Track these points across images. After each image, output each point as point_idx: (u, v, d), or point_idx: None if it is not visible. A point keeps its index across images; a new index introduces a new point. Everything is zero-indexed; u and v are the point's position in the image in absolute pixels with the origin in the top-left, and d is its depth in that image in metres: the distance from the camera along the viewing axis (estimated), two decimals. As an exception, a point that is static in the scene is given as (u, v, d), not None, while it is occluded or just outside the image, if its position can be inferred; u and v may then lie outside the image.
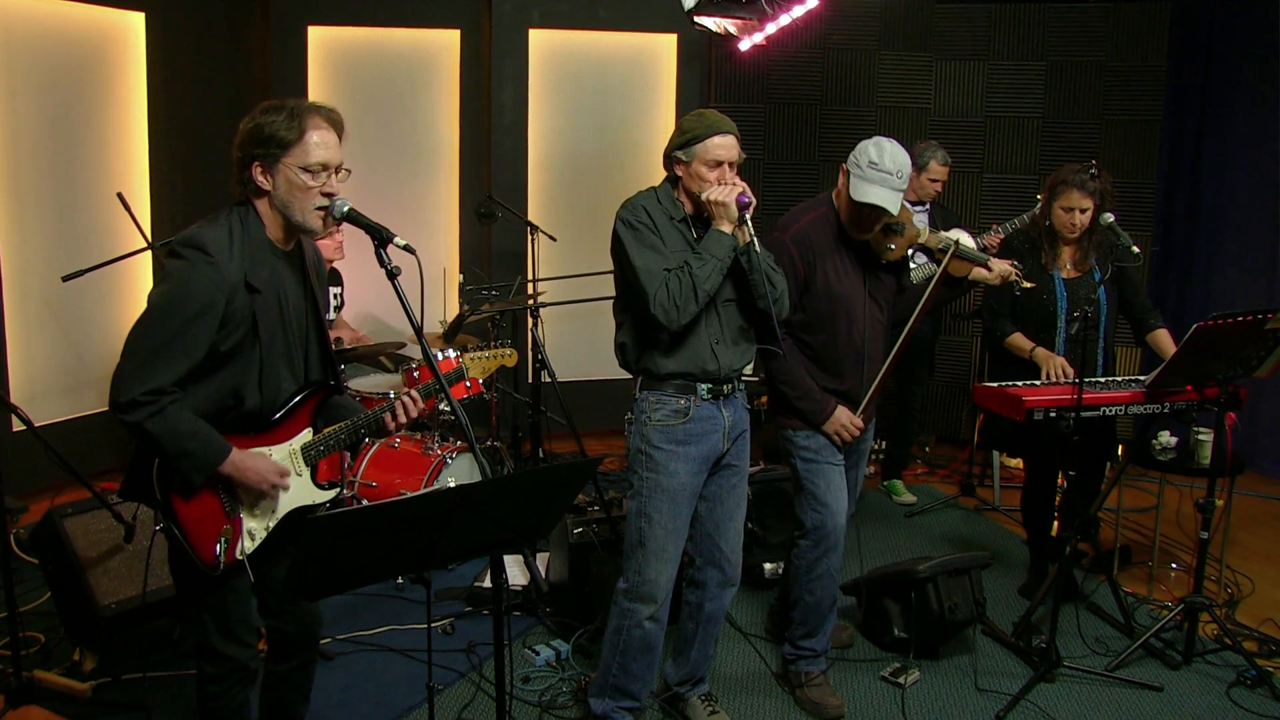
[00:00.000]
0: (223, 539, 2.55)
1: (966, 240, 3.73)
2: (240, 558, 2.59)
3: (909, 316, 3.63)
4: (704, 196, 3.08)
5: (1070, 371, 4.09)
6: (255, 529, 2.62)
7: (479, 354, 3.25)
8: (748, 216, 3.08)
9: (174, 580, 2.68)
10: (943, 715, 3.68)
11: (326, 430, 2.73)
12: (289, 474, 2.64)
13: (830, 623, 3.76)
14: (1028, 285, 3.82)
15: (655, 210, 3.16)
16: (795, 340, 3.59)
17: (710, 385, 3.21)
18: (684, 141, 3.11)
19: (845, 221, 3.54)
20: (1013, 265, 3.79)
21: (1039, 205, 4.35)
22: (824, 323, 3.56)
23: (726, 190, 3.06)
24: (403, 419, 2.77)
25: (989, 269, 3.69)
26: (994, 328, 4.37)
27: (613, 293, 3.31)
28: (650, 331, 3.14)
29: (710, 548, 3.38)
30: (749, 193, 3.09)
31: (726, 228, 3.08)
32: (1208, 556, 4.05)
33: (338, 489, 2.81)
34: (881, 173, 3.34)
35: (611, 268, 3.25)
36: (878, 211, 3.39)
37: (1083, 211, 4.14)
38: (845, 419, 3.56)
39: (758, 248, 3.12)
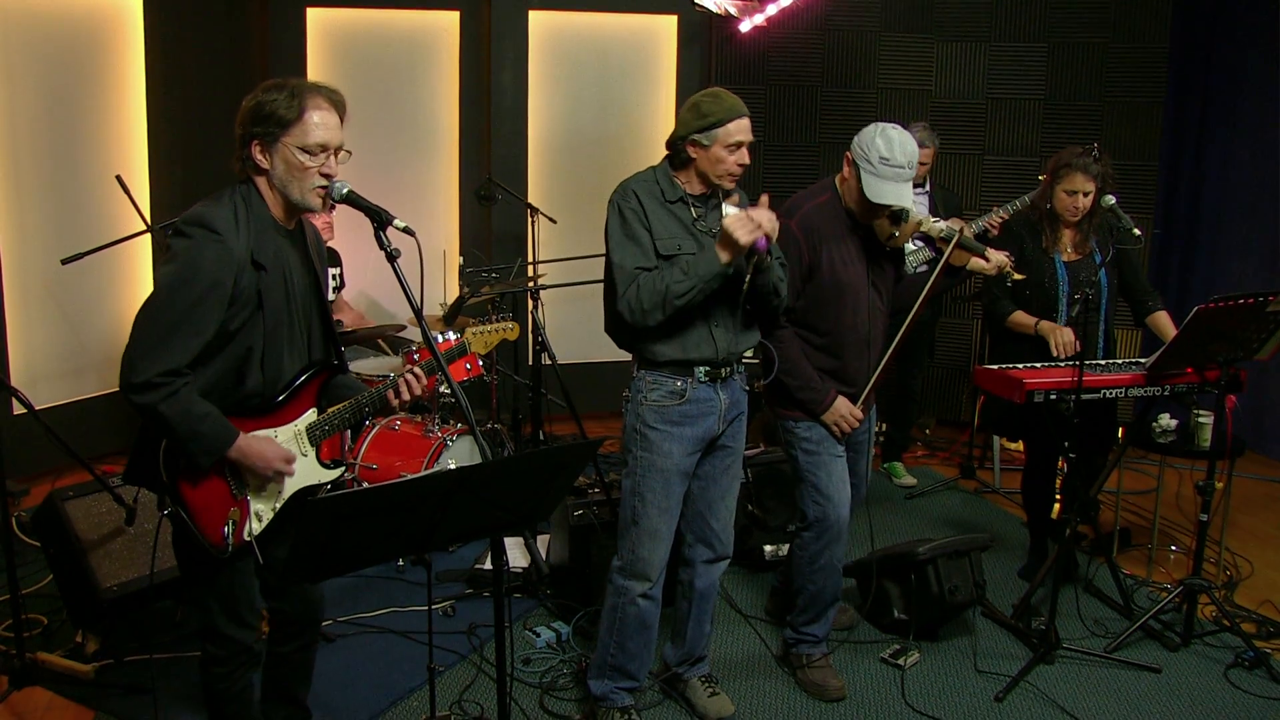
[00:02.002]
0: (230, 521, 2.56)
1: (965, 231, 3.72)
2: (248, 539, 2.59)
3: (907, 305, 3.61)
4: (723, 222, 2.98)
5: (1076, 344, 4.08)
6: (262, 510, 2.62)
7: (480, 328, 3.23)
8: (755, 258, 3.04)
9: (179, 563, 2.68)
10: (942, 696, 3.70)
11: (331, 410, 2.72)
12: (294, 459, 2.64)
13: (833, 610, 3.77)
14: (1018, 277, 3.80)
15: (648, 194, 3.14)
16: (797, 328, 3.56)
17: (708, 369, 3.20)
18: (704, 125, 3.05)
19: (854, 210, 3.50)
20: (1007, 256, 3.76)
21: (1040, 188, 4.34)
22: (827, 310, 3.53)
23: (746, 230, 2.93)
24: (406, 396, 2.77)
25: (986, 259, 3.64)
26: (995, 309, 4.36)
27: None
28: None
29: (701, 525, 3.40)
30: (771, 235, 3.00)
31: (725, 256, 2.98)
32: (1207, 539, 4.05)
33: (342, 467, 2.81)
34: (894, 168, 3.32)
35: (610, 250, 3.23)
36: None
37: (1085, 195, 4.13)
38: (845, 410, 3.54)
39: (764, 269, 3.10)
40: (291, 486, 2.67)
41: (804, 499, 3.64)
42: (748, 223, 2.94)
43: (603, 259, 3.21)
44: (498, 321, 3.27)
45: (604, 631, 3.39)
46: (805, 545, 3.66)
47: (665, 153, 3.22)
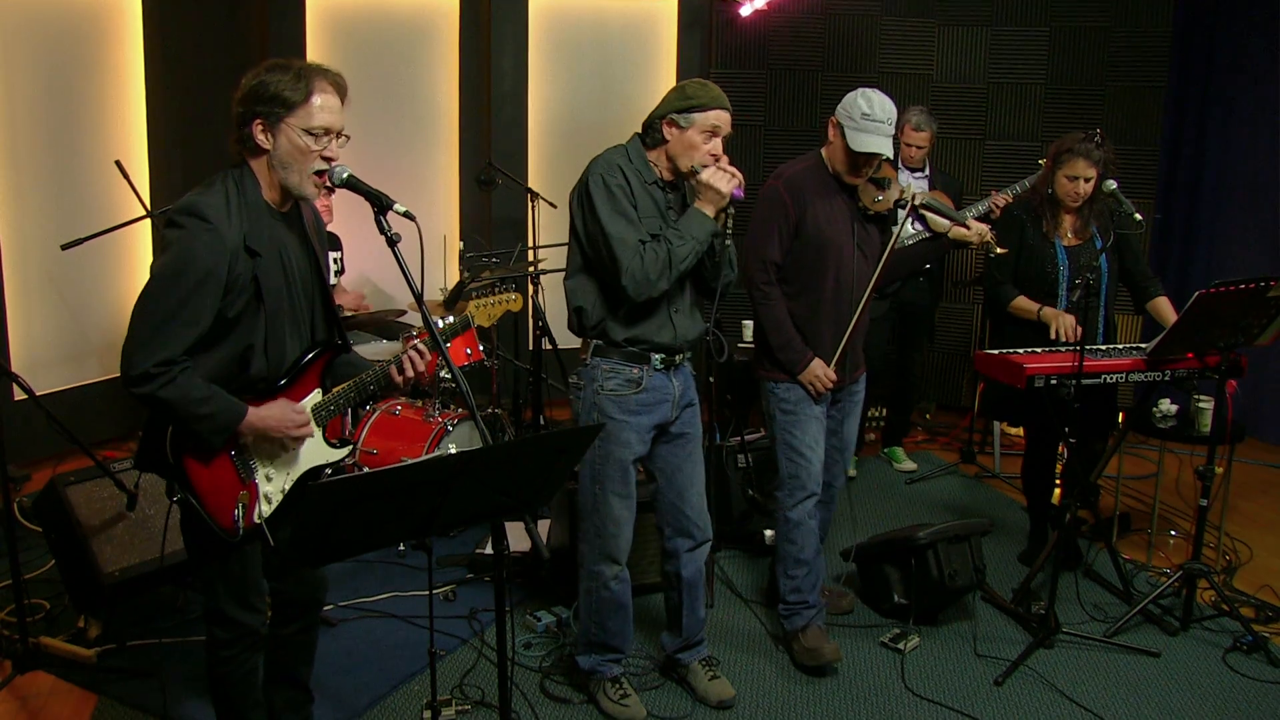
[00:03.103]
0: (240, 504, 2.56)
1: (944, 203, 3.90)
2: (258, 521, 2.59)
3: (900, 276, 3.74)
4: (700, 176, 3.08)
5: (1078, 329, 4.09)
6: (271, 492, 2.62)
7: (482, 300, 3.15)
8: (731, 210, 3.12)
9: (187, 547, 2.67)
10: (942, 681, 3.71)
11: (336, 390, 2.71)
12: (309, 420, 2.64)
13: (816, 576, 3.79)
14: (1001, 251, 3.89)
15: (631, 172, 3.16)
16: (784, 285, 3.66)
17: (663, 356, 3.24)
18: (688, 107, 3.08)
19: (840, 170, 3.62)
20: (989, 227, 3.86)
21: (1040, 172, 4.34)
22: (813, 268, 3.64)
23: (724, 178, 3.06)
24: (410, 373, 2.75)
25: (966, 227, 3.80)
26: (997, 295, 4.36)
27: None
28: (615, 297, 3.15)
29: (676, 516, 3.44)
30: (743, 186, 3.10)
31: (710, 210, 3.08)
32: (1206, 524, 4.06)
33: (350, 446, 2.80)
34: (874, 122, 3.47)
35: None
36: (873, 156, 3.54)
37: (1087, 180, 4.13)
38: (820, 371, 3.64)
39: (729, 238, 3.17)
40: (301, 466, 2.68)
41: (779, 457, 3.75)
42: (724, 172, 3.06)
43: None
44: (500, 293, 3.22)
45: (584, 613, 3.47)
46: (780, 503, 3.76)
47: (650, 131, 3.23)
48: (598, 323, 3.23)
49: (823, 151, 3.69)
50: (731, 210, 3.12)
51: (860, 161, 3.56)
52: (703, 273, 3.28)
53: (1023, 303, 4.28)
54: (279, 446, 2.62)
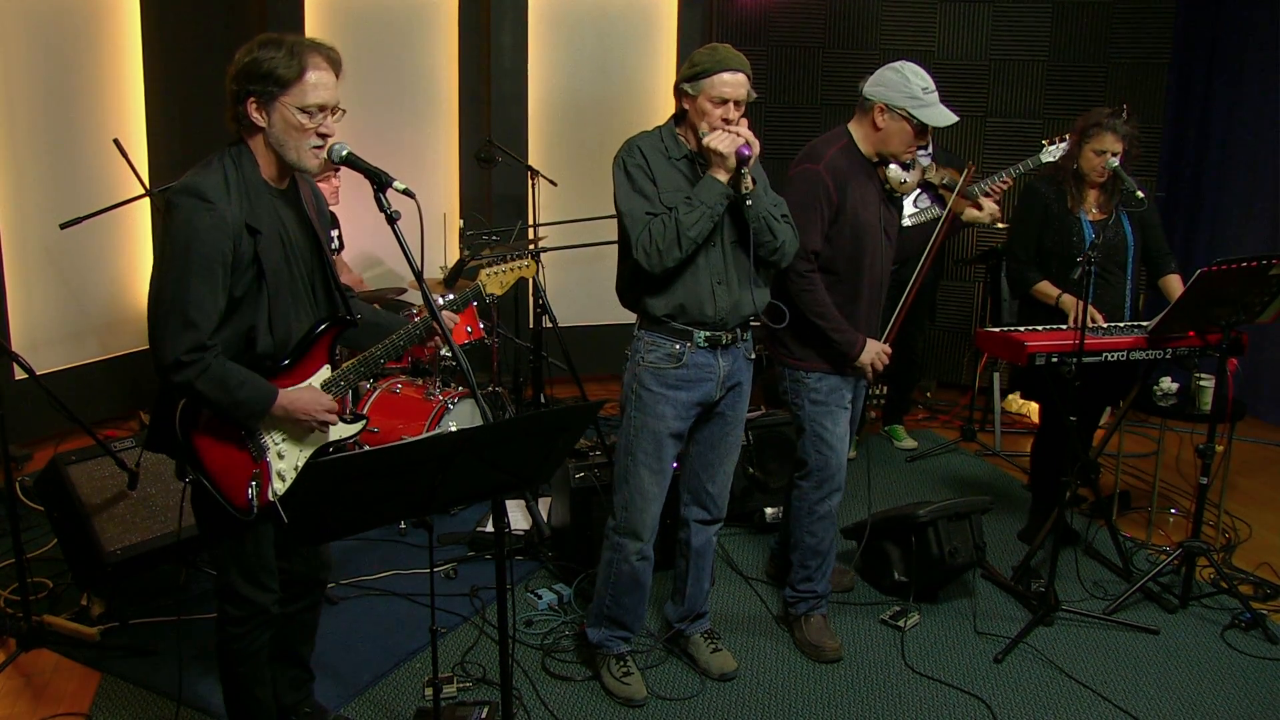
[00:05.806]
0: (254, 483, 2.56)
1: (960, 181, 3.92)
2: (272, 499, 2.59)
3: (914, 254, 3.71)
4: (703, 141, 3.04)
5: (1100, 319, 4.10)
6: (284, 470, 2.62)
7: (495, 269, 3.02)
8: (746, 170, 3.03)
9: (199, 526, 2.68)
10: (942, 658, 3.72)
11: (345, 365, 2.71)
12: (335, 408, 2.64)
13: (830, 565, 3.80)
14: (1003, 225, 3.90)
15: (652, 150, 3.14)
16: (822, 271, 3.56)
17: (708, 333, 3.20)
18: (691, 75, 3.06)
19: (897, 150, 3.52)
20: (997, 204, 3.93)
21: (1068, 147, 4.31)
22: (851, 251, 3.55)
23: (726, 139, 3.00)
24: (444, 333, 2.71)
25: (980, 208, 3.84)
26: (1020, 276, 4.34)
27: (613, 236, 3.30)
28: (643, 274, 3.12)
29: (697, 486, 3.45)
30: (752, 144, 3.03)
31: (721, 175, 3.03)
32: (1206, 502, 4.06)
33: (363, 420, 2.80)
34: (933, 93, 3.42)
35: (612, 211, 3.24)
36: (926, 130, 3.47)
37: (1114, 155, 4.11)
38: (876, 349, 3.57)
39: (751, 194, 3.07)
40: (313, 443, 2.67)
41: (806, 449, 3.68)
42: (726, 134, 3.00)
43: (603, 222, 3.20)
44: (512, 260, 3.08)
45: (600, 584, 3.47)
46: (805, 495, 3.71)
47: (670, 112, 3.23)
48: (636, 299, 3.23)
49: (851, 132, 3.59)
50: (745, 171, 3.02)
51: (919, 139, 3.50)
52: (759, 242, 3.17)
53: (1044, 287, 4.27)
54: (303, 429, 2.62)
